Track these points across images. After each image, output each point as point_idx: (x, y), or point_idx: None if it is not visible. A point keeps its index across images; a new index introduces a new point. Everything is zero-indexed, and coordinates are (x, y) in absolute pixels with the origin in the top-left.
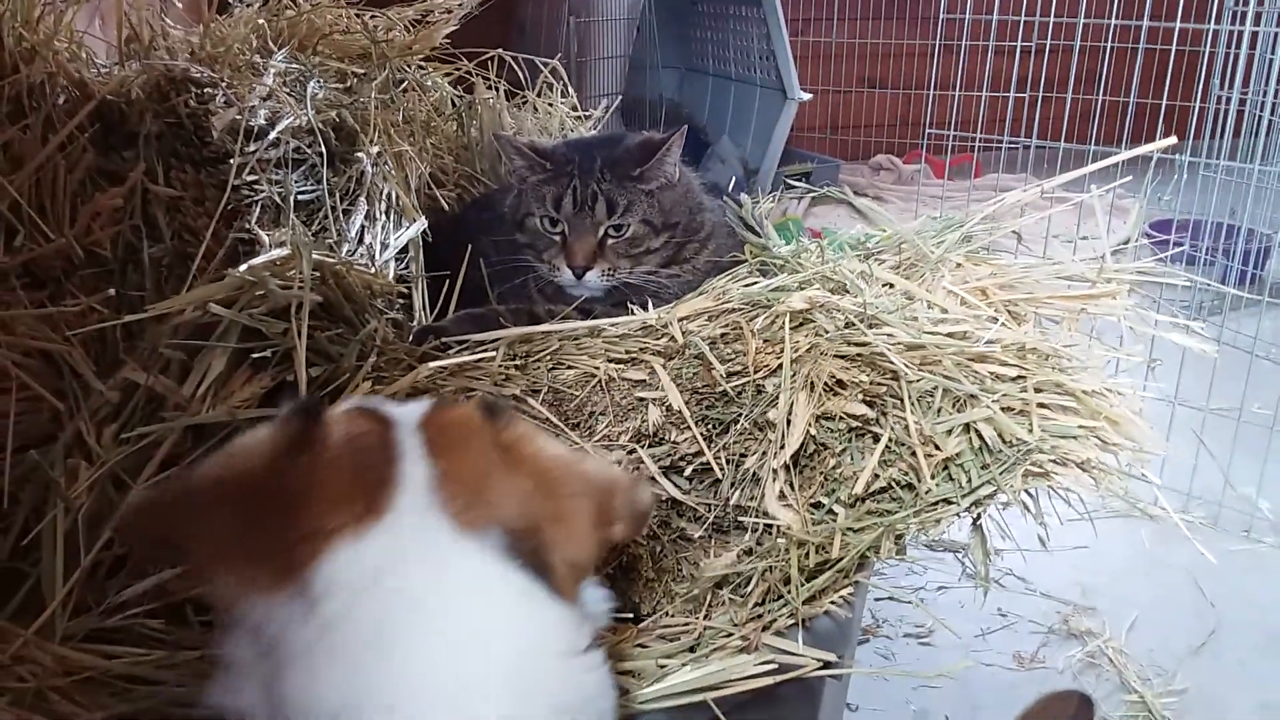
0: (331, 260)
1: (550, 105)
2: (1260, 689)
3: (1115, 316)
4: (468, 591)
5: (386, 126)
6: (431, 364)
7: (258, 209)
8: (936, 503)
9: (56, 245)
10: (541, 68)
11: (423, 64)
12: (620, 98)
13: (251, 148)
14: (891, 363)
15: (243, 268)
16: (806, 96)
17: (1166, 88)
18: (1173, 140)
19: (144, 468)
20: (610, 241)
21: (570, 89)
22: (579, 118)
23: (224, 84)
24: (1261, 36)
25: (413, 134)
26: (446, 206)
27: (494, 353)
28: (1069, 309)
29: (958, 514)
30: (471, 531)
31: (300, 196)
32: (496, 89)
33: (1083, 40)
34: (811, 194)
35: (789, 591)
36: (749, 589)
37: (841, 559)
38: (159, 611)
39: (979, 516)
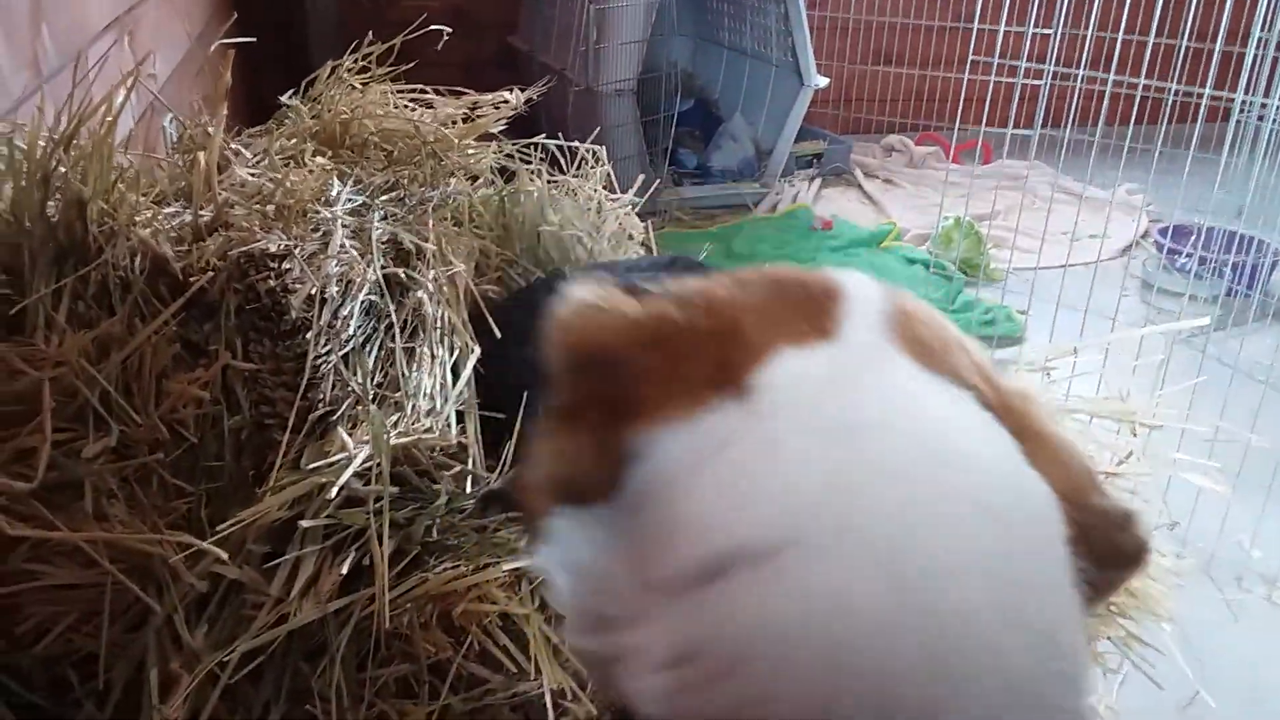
0: (405, 440)
1: (583, 179)
2: None
3: (1143, 478)
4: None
5: (440, 243)
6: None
7: (331, 376)
8: None
9: (144, 429)
10: (579, 146)
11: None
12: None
13: (324, 317)
14: None
15: (318, 464)
16: (824, 82)
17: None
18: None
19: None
20: None
21: (606, 163)
22: (612, 198)
23: (298, 250)
24: None
25: (460, 235)
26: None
27: None
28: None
29: None
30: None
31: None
32: (539, 174)
33: (1099, 30)
34: (821, 177)
35: None
36: None
37: None
38: None
39: None
